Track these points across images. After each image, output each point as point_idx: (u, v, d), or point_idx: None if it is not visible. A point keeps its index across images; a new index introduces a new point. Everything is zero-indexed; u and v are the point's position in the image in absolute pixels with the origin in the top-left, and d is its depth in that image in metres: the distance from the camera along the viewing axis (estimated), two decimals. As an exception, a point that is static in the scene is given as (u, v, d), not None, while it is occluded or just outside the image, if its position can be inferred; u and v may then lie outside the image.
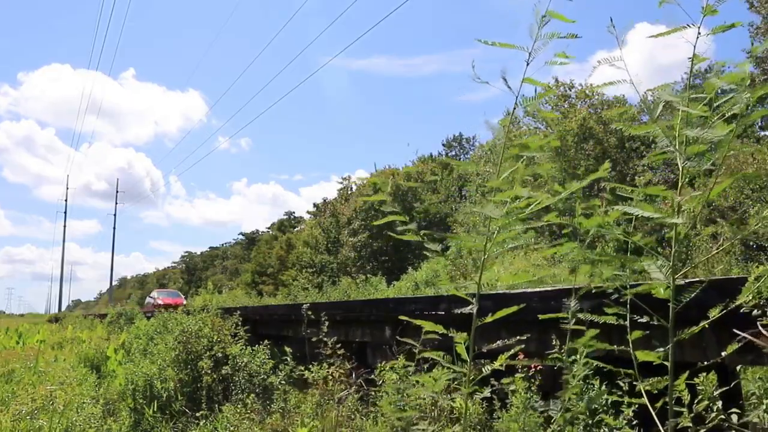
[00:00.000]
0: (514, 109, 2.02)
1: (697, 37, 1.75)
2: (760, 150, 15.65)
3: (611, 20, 1.89)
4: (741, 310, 2.18)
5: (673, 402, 2.04)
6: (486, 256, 2.05)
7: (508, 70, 1.92)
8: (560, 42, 1.86)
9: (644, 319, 2.00)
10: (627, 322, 2.02)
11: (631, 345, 1.99)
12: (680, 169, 1.86)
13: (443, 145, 51.08)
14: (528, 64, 1.86)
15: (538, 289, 4.28)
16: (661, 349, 1.87)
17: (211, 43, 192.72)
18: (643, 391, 1.98)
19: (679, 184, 1.87)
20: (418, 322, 2.31)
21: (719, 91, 1.82)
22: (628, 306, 2.05)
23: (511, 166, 2.02)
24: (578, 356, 2.22)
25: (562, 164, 23.33)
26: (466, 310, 2.08)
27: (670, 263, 1.83)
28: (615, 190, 2.48)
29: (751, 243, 13.83)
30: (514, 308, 2.19)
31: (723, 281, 2.66)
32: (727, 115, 1.75)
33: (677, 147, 1.82)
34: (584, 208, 2.01)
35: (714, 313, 1.90)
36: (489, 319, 2.12)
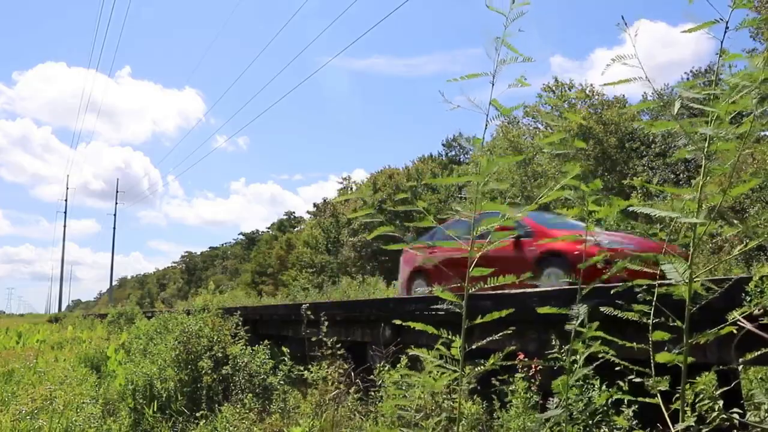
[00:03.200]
0: (486, 126, 2.13)
1: (725, 32, 1.73)
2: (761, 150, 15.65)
3: (623, 18, 1.89)
4: (741, 310, 2.18)
5: (674, 401, 2.04)
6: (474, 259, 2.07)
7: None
8: (521, 62, 2.04)
9: (652, 320, 1.99)
10: (649, 321, 2.01)
11: (651, 345, 1.98)
12: (703, 168, 1.83)
13: (443, 145, 51.05)
14: (493, 85, 2.01)
15: (537, 290, 4.27)
16: (676, 350, 1.86)
17: (210, 42, 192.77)
18: (657, 392, 1.97)
19: (701, 183, 1.83)
20: (410, 323, 2.34)
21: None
22: (653, 306, 2.03)
23: (487, 167, 2.02)
24: (579, 355, 2.22)
25: (562, 164, 23.33)
26: (449, 308, 2.11)
27: (688, 264, 1.80)
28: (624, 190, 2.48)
29: (751, 243, 13.80)
30: (504, 312, 2.23)
31: (736, 282, 2.65)
32: (745, 114, 1.73)
33: (705, 149, 1.79)
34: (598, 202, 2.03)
35: (733, 316, 1.88)
36: (478, 321, 2.15)
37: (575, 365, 2.20)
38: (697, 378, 2.24)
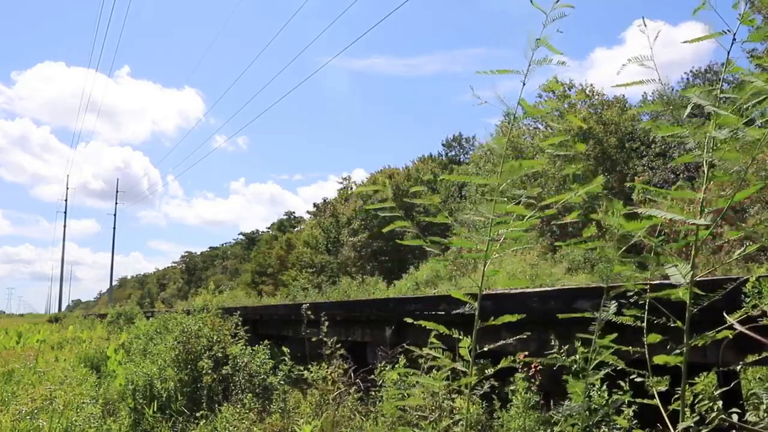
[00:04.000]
0: (511, 129, 2.11)
1: (732, 43, 1.76)
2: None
3: (643, 20, 1.88)
4: (741, 310, 2.18)
5: (673, 401, 2.04)
6: (488, 260, 2.06)
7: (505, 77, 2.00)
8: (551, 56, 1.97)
9: (647, 321, 2.00)
10: (644, 324, 2.01)
11: (646, 348, 1.98)
12: (705, 172, 1.84)
13: (443, 145, 51.10)
14: (524, 84, 1.98)
15: (537, 290, 4.27)
16: (678, 351, 1.86)
17: (210, 42, 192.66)
18: (655, 393, 1.97)
19: (703, 186, 1.85)
20: (421, 322, 2.31)
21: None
22: (646, 308, 2.03)
23: (511, 171, 2.02)
24: (577, 356, 2.22)
25: (562, 164, 23.34)
26: (467, 310, 2.09)
27: (690, 266, 1.81)
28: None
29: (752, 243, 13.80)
30: (516, 316, 2.21)
31: (708, 281, 2.65)
32: (758, 121, 1.74)
33: (707, 151, 1.80)
34: (607, 209, 2.03)
35: (735, 317, 1.89)
36: (491, 322, 2.14)
37: (587, 366, 2.20)
38: (696, 379, 2.24)
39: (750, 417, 2.84)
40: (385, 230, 2.45)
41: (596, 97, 26.91)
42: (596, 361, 2.14)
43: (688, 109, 1.89)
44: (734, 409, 2.59)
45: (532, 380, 3.74)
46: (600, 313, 2.11)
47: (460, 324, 2.38)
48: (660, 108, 3.07)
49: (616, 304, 2.13)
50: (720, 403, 2.48)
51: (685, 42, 1.88)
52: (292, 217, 65.10)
